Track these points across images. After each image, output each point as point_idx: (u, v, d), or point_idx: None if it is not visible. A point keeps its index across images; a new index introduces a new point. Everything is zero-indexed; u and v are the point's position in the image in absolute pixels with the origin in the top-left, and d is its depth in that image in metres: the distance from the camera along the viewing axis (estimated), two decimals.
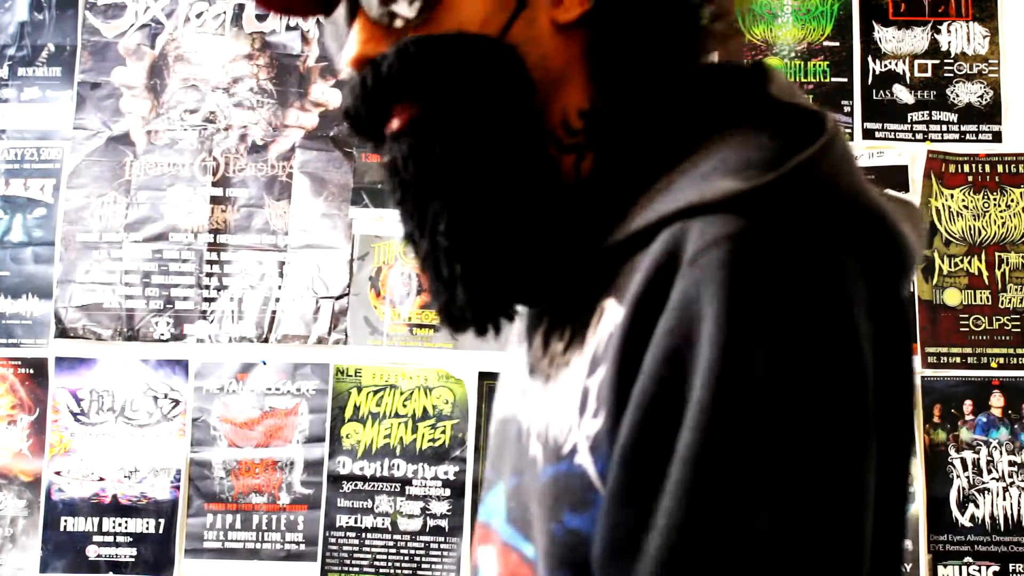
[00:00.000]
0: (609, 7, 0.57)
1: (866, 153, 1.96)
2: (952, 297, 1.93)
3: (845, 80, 1.99)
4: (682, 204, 0.50)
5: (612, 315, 0.51)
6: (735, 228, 0.46)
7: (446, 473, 1.91)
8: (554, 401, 0.56)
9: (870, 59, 2.00)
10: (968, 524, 1.86)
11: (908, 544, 1.85)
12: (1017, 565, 1.85)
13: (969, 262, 1.93)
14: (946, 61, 1.99)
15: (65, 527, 1.92)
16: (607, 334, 0.51)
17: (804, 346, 0.45)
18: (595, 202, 0.58)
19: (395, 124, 0.58)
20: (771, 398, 0.44)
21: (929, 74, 1.99)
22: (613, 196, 0.57)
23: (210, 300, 1.97)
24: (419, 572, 1.89)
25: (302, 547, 1.91)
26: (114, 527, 1.92)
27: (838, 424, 0.45)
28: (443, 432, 1.92)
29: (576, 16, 0.58)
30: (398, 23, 0.58)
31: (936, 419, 1.88)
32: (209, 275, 1.98)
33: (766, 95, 0.56)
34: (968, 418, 1.89)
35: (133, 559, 1.92)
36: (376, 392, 1.93)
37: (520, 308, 0.63)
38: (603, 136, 0.59)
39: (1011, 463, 1.88)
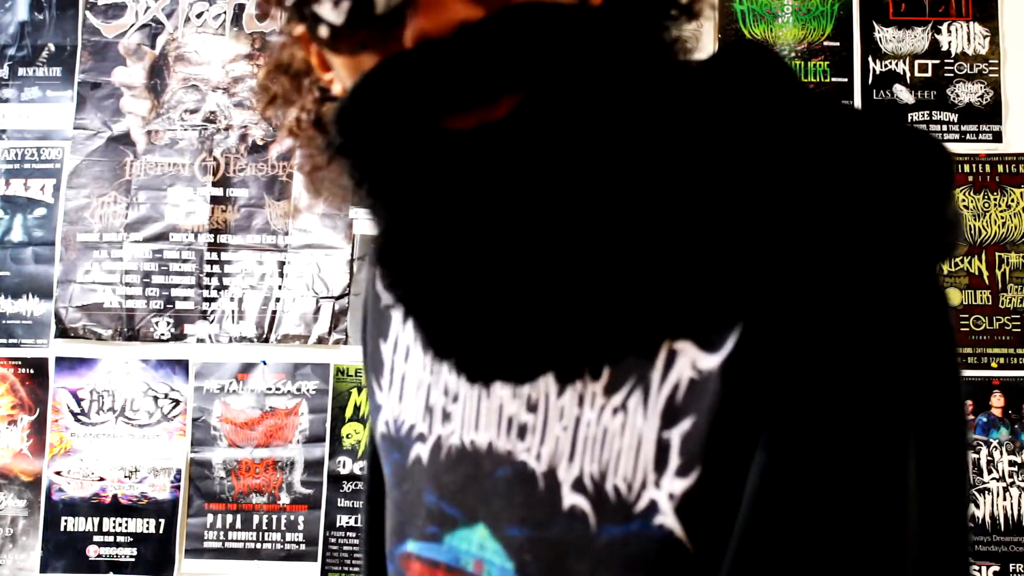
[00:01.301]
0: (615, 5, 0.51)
1: None
2: (952, 297, 1.93)
3: (845, 80, 1.99)
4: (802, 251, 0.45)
5: (692, 360, 0.47)
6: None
7: None
8: (606, 450, 0.49)
9: (870, 59, 2.00)
10: (968, 524, 1.86)
11: None
12: (1017, 565, 1.85)
13: (969, 262, 1.94)
14: (946, 61, 1.99)
15: (65, 527, 1.92)
16: (686, 380, 0.47)
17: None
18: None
19: (497, 112, 0.45)
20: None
21: (929, 74, 1.99)
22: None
23: (210, 300, 1.97)
24: None
25: (302, 547, 1.91)
26: (114, 527, 1.92)
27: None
28: None
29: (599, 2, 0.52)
30: None
31: None
32: (209, 275, 1.98)
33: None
34: (968, 418, 1.89)
35: (133, 559, 1.92)
36: None
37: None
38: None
39: (1011, 463, 1.88)
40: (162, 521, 1.92)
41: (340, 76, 0.52)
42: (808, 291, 0.44)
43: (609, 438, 0.49)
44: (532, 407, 0.53)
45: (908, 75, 1.99)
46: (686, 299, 0.47)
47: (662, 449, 0.47)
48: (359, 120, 0.48)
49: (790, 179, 0.46)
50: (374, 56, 0.47)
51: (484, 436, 0.56)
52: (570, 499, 0.50)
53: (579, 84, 0.45)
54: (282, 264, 1.98)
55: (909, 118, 1.98)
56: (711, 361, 0.46)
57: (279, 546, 1.91)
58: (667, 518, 0.47)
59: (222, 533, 1.92)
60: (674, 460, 0.46)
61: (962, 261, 1.94)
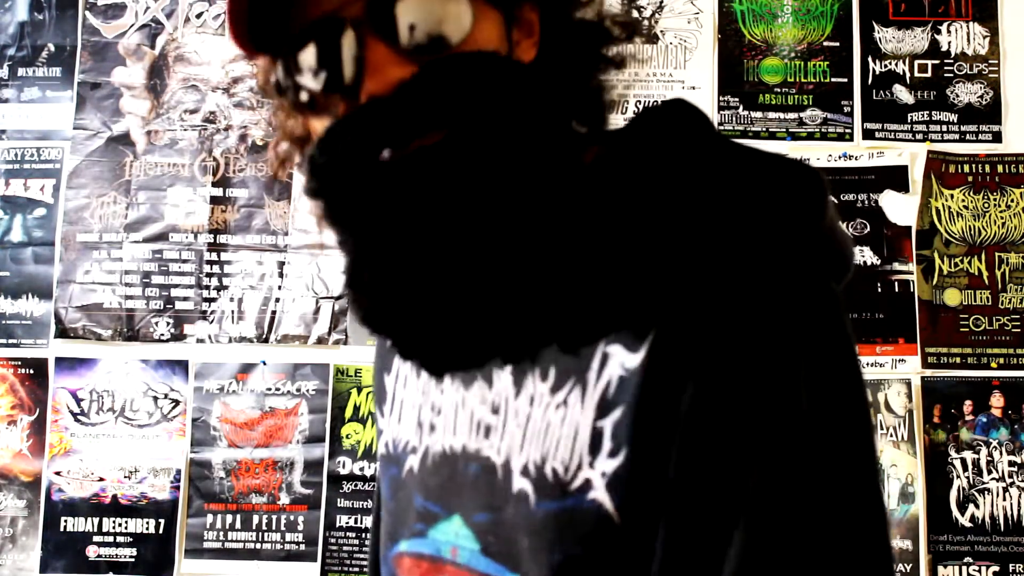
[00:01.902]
0: (546, 52, 0.63)
1: (866, 153, 1.96)
2: (952, 297, 1.93)
3: (845, 80, 1.99)
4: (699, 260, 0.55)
5: (620, 360, 0.56)
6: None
7: None
8: (547, 439, 0.58)
9: (870, 59, 2.00)
10: (968, 524, 1.86)
11: (908, 544, 1.85)
12: (1017, 565, 1.85)
13: (969, 262, 1.94)
14: (946, 61, 1.99)
15: (65, 527, 1.92)
16: (616, 378, 0.56)
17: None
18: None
19: (427, 141, 0.56)
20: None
21: (929, 74, 1.99)
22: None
23: (210, 300, 1.97)
24: None
25: (302, 547, 1.91)
26: (114, 527, 1.92)
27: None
28: None
29: (531, 59, 0.63)
30: (422, 51, 0.56)
31: (936, 419, 1.89)
32: (209, 275, 1.98)
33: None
34: (968, 418, 1.89)
35: (133, 559, 1.92)
36: None
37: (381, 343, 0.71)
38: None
39: (1011, 463, 1.88)
40: (162, 521, 1.92)
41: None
42: (705, 301, 0.54)
43: (551, 429, 0.58)
44: (495, 410, 0.63)
45: (908, 75, 1.99)
46: (615, 305, 0.57)
47: (596, 436, 0.56)
48: (319, 163, 0.59)
49: (686, 211, 0.56)
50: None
51: (460, 440, 0.65)
52: (518, 483, 0.59)
53: (492, 122, 0.55)
54: (282, 264, 1.98)
55: (908, 118, 1.98)
56: (634, 360, 0.55)
57: (279, 546, 1.91)
58: (598, 493, 0.55)
59: (222, 533, 1.92)
60: (607, 444, 0.55)
61: (962, 261, 1.94)
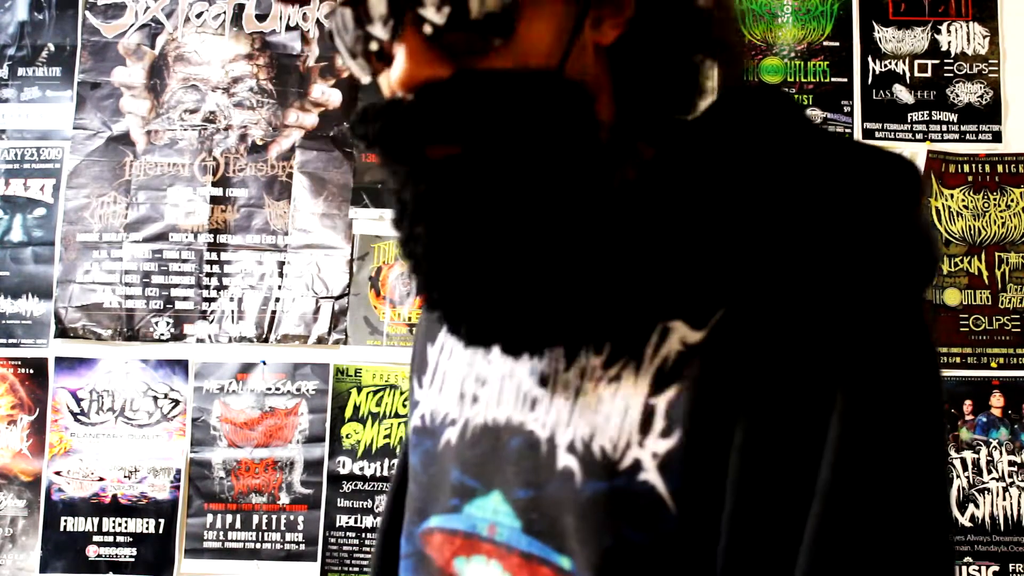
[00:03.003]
0: (638, 30, 0.59)
1: None
2: (952, 297, 1.93)
3: (845, 80, 1.99)
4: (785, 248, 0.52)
5: (681, 336, 0.54)
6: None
7: None
8: (597, 415, 0.56)
9: (870, 59, 2.00)
10: (968, 524, 1.86)
11: None
12: (1017, 565, 1.85)
13: (969, 262, 1.94)
14: (946, 61, 1.99)
15: (65, 527, 1.92)
16: (674, 353, 0.54)
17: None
18: (634, 216, 0.58)
19: (435, 153, 0.54)
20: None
21: (929, 74, 1.99)
22: (653, 212, 0.57)
23: (210, 300, 1.97)
24: None
25: (302, 547, 1.91)
26: (114, 527, 1.92)
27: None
28: None
29: (613, 39, 0.59)
30: (459, 49, 0.54)
31: None
32: (209, 275, 1.98)
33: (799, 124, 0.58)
34: (968, 418, 1.89)
35: (133, 559, 1.92)
36: (376, 392, 1.94)
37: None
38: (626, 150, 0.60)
39: (1011, 463, 1.88)
40: (162, 521, 1.92)
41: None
42: (784, 290, 0.51)
43: (602, 405, 0.56)
44: (543, 382, 0.60)
45: (908, 75, 1.99)
46: (681, 287, 0.55)
47: (648, 414, 0.53)
48: (364, 132, 0.57)
49: (774, 195, 0.53)
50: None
51: (504, 412, 0.63)
52: (563, 460, 0.57)
53: (512, 140, 0.53)
54: (282, 264, 1.98)
55: (908, 118, 1.98)
56: (696, 336, 0.53)
57: (279, 546, 1.91)
58: (650, 474, 0.52)
59: (222, 533, 1.92)
60: (659, 423, 0.53)
61: (962, 261, 1.94)
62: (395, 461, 1.92)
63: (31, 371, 1.97)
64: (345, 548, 1.91)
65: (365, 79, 0.60)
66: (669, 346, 0.54)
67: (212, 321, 1.97)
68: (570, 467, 0.56)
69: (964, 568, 1.85)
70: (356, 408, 1.94)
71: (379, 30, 0.54)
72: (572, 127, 0.55)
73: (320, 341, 1.95)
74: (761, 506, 0.50)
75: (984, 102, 1.98)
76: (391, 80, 0.54)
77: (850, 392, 0.49)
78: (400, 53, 0.54)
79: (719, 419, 0.51)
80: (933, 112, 1.98)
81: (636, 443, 0.53)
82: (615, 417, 0.55)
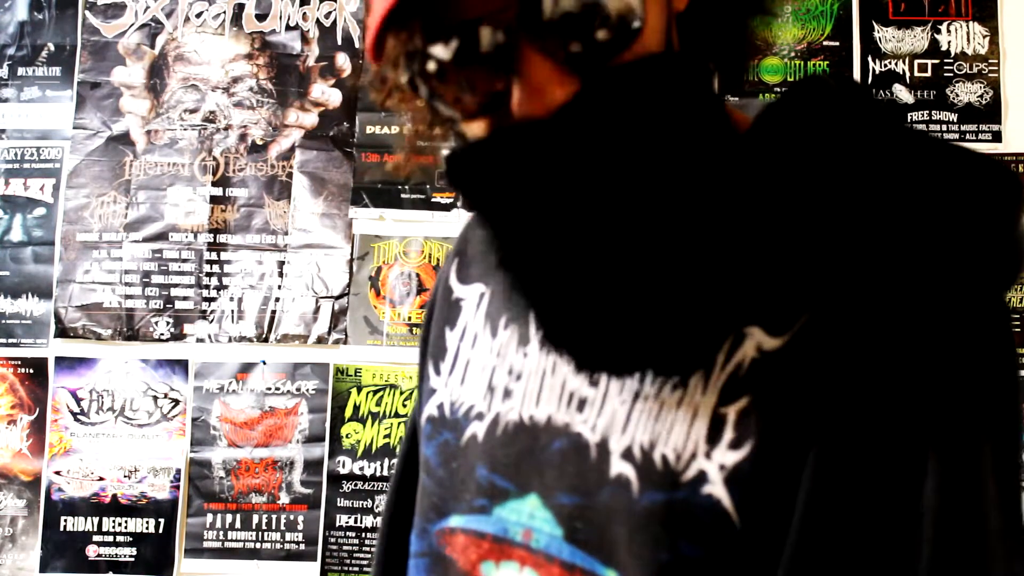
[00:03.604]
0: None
1: None
2: None
3: None
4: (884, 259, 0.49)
5: (757, 342, 0.51)
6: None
7: None
8: (659, 422, 0.53)
9: (870, 59, 2.00)
10: None
11: None
12: None
13: None
14: (946, 61, 1.99)
15: (65, 527, 1.93)
16: (748, 361, 0.51)
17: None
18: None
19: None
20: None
21: (929, 74, 1.99)
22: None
23: (210, 300, 1.97)
24: None
25: (302, 547, 1.91)
26: (114, 527, 1.92)
27: None
28: None
29: (685, 5, 0.57)
30: (586, 57, 0.50)
31: None
32: (209, 275, 1.98)
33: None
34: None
35: (133, 559, 1.92)
36: (376, 392, 1.94)
37: (488, 289, 0.62)
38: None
39: None
40: (162, 521, 1.92)
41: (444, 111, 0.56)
42: (875, 300, 0.48)
43: (665, 411, 0.53)
44: (594, 382, 0.57)
45: (908, 75, 1.99)
46: (762, 289, 0.51)
47: (717, 423, 0.50)
48: (468, 176, 0.53)
49: (868, 198, 0.50)
50: (480, 116, 0.53)
51: (544, 410, 0.59)
52: (617, 467, 0.53)
53: (657, 120, 0.50)
54: (282, 264, 1.98)
55: (908, 118, 1.98)
56: (774, 343, 0.50)
57: (279, 546, 1.91)
58: (716, 487, 0.49)
59: (222, 533, 1.92)
60: (728, 434, 0.50)
61: None
62: (395, 461, 1.92)
63: (31, 371, 1.97)
64: (345, 548, 1.91)
65: (463, 125, 0.56)
66: (744, 352, 0.51)
67: (212, 321, 1.97)
68: (626, 475, 0.53)
69: None
70: (356, 408, 1.94)
71: (487, 64, 0.50)
72: (705, 106, 0.52)
73: (320, 341, 1.95)
74: (828, 534, 0.47)
75: (984, 102, 1.98)
76: (518, 110, 0.50)
77: (943, 441, 0.47)
78: (523, 82, 0.50)
79: (792, 434, 0.48)
80: (933, 112, 1.98)
81: (703, 454, 0.50)
82: (680, 425, 0.52)
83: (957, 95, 1.98)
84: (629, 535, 0.52)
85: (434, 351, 0.71)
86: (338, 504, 1.91)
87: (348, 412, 1.94)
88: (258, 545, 1.92)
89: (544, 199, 0.50)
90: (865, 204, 0.49)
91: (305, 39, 2.03)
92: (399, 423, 1.93)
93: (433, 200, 1.97)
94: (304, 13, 2.03)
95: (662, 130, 0.50)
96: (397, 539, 0.74)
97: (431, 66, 0.52)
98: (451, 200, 1.96)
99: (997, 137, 1.96)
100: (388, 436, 1.92)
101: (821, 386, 0.48)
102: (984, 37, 1.99)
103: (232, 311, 1.97)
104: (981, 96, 1.98)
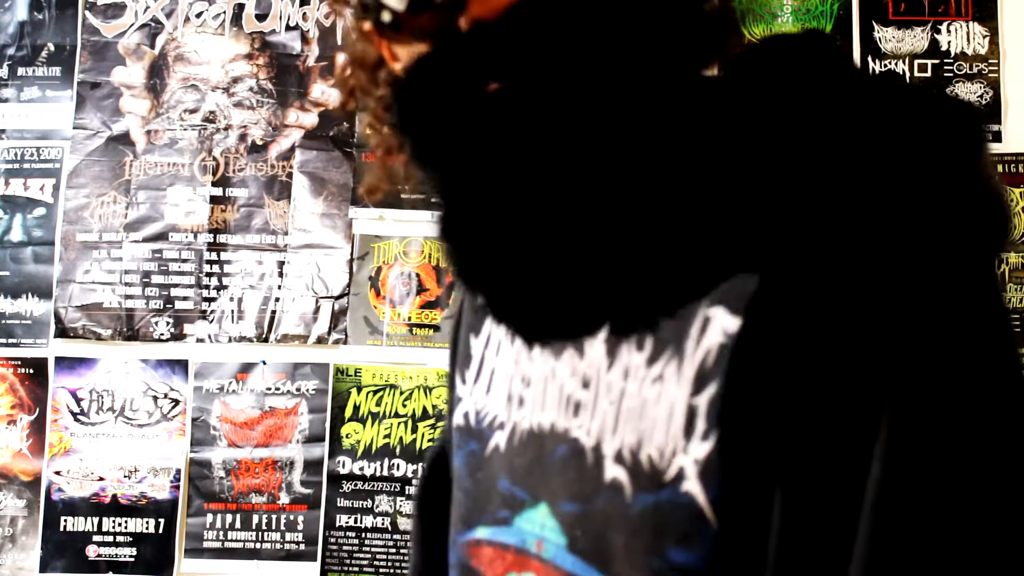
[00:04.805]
0: None
1: None
2: None
3: None
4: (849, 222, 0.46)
5: (723, 325, 0.48)
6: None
7: None
8: (643, 420, 0.50)
9: (870, 59, 2.00)
10: None
11: None
12: None
13: None
14: (946, 61, 1.99)
15: (65, 527, 1.92)
16: (716, 346, 0.48)
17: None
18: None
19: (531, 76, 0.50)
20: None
21: (929, 74, 1.99)
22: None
23: (210, 300, 1.97)
24: None
25: (302, 547, 1.91)
26: (114, 527, 1.92)
27: None
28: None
29: None
30: None
31: None
32: (209, 275, 1.98)
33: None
34: None
35: (133, 559, 1.92)
36: (376, 392, 1.94)
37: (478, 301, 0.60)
38: None
39: None
40: (161, 521, 1.92)
41: (404, 64, 0.55)
42: (826, 258, 0.45)
43: (647, 408, 0.50)
44: (586, 384, 0.55)
45: (908, 75, 1.99)
46: (721, 265, 0.49)
47: (691, 415, 0.48)
48: (413, 95, 0.52)
49: (812, 150, 0.47)
50: (430, 44, 0.52)
51: (548, 417, 0.57)
52: (611, 471, 0.51)
53: (613, 55, 0.48)
54: (282, 264, 1.98)
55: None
56: (736, 324, 0.47)
57: (279, 546, 1.91)
58: (691, 483, 0.48)
59: (221, 533, 1.92)
60: (700, 425, 0.48)
61: None
62: (395, 461, 1.92)
63: (31, 371, 1.97)
64: (345, 548, 1.91)
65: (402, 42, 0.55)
66: (710, 338, 0.48)
67: (212, 321, 1.97)
68: (619, 479, 0.51)
69: None
70: (356, 408, 1.94)
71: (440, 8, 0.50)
72: (664, 32, 0.51)
73: (320, 341, 1.95)
74: (814, 516, 0.45)
75: (984, 102, 1.98)
76: (465, 18, 0.49)
77: (908, 390, 0.44)
78: None
79: (755, 417, 0.46)
80: None
81: (681, 449, 0.48)
82: (661, 422, 0.49)
83: (957, 95, 1.98)
84: (626, 542, 0.50)
85: (462, 359, 0.70)
86: (338, 504, 1.91)
87: (348, 412, 1.94)
88: (258, 545, 1.92)
89: (484, 138, 0.50)
90: (815, 154, 0.47)
91: (305, 39, 2.03)
92: (399, 423, 1.93)
93: (433, 200, 1.97)
94: (304, 13, 2.03)
95: (612, 58, 0.48)
96: (434, 541, 0.73)
97: (386, 16, 0.52)
98: None
99: (997, 137, 1.96)
100: (388, 436, 1.92)
101: (778, 361, 0.46)
102: (984, 37, 1.99)
103: (232, 311, 1.97)
104: (981, 96, 1.98)
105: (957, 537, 0.43)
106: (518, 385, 0.61)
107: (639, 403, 0.51)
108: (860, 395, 0.45)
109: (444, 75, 0.50)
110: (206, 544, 1.92)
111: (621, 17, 0.49)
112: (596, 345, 0.54)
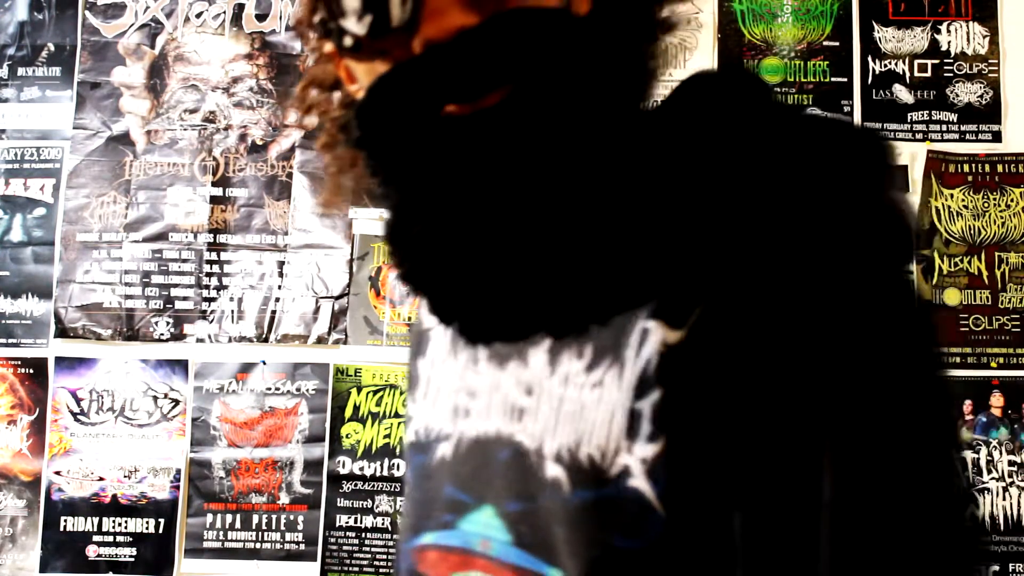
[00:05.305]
0: (599, 15, 0.59)
1: None
2: (952, 297, 1.93)
3: (845, 80, 1.99)
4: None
5: (661, 337, 0.53)
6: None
7: None
8: (582, 422, 0.55)
9: (870, 59, 2.00)
10: None
11: None
12: (1017, 565, 1.85)
13: (969, 262, 1.94)
14: (946, 61, 1.99)
15: (65, 527, 1.92)
16: (656, 356, 0.53)
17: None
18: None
19: (489, 100, 0.54)
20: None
21: (929, 74, 1.99)
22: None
23: (210, 300, 1.97)
24: None
25: (302, 547, 1.91)
26: (114, 527, 1.92)
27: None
28: None
29: (584, 13, 0.60)
30: None
31: None
32: (209, 275, 1.98)
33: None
34: (968, 418, 1.89)
35: (133, 559, 1.92)
36: (376, 392, 1.94)
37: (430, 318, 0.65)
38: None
39: (1011, 463, 1.88)
40: (161, 521, 1.92)
41: (363, 84, 0.59)
42: (761, 280, 0.50)
43: (586, 412, 0.55)
44: (529, 391, 0.59)
45: (908, 75, 1.99)
46: (656, 282, 0.54)
47: (634, 419, 0.53)
48: (373, 113, 0.56)
49: (741, 181, 0.52)
50: (389, 63, 0.56)
51: (494, 424, 0.61)
52: (551, 470, 0.56)
53: (557, 80, 0.53)
54: (282, 264, 1.98)
55: (908, 118, 1.98)
56: (676, 336, 0.52)
57: (279, 546, 1.91)
58: (638, 480, 0.52)
59: (222, 533, 1.92)
60: (645, 428, 0.52)
61: (962, 261, 1.94)
62: (395, 461, 1.92)
63: (31, 371, 1.97)
64: (345, 548, 1.91)
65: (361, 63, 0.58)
66: (650, 348, 0.53)
67: (212, 321, 1.97)
68: (558, 477, 0.55)
69: None
70: (356, 408, 1.94)
71: (358, 20, 0.54)
72: (603, 64, 0.55)
73: (320, 341, 1.95)
74: (772, 530, 0.50)
75: (984, 102, 1.98)
76: (418, 40, 0.53)
77: (844, 389, 0.49)
78: (425, 10, 0.53)
79: (701, 418, 0.51)
80: (933, 112, 1.98)
81: (624, 449, 0.53)
82: (601, 424, 0.54)
83: (957, 95, 1.98)
84: (566, 534, 0.54)
85: (411, 382, 0.75)
86: (338, 504, 1.91)
87: (348, 412, 1.94)
88: (258, 545, 1.92)
89: (432, 147, 0.54)
90: (738, 187, 0.52)
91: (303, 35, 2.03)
92: (399, 423, 1.93)
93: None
94: None
95: (561, 66, 0.53)
96: None
97: (348, 40, 0.56)
98: None
99: (997, 137, 1.96)
100: (388, 436, 1.92)
101: (722, 372, 0.50)
102: (984, 37, 1.99)
103: (232, 311, 1.97)
104: (981, 96, 1.98)
105: (907, 539, 0.49)
106: (463, 398, 0.65)
107: (578, 407, 0.55)
108: (795, 403, 0.50)
109: (400, 96, 0.54)
110: (206, 544, 1.92)
111: (560, 48, 0.53)
112: (539, 354, 0.59)
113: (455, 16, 0.53)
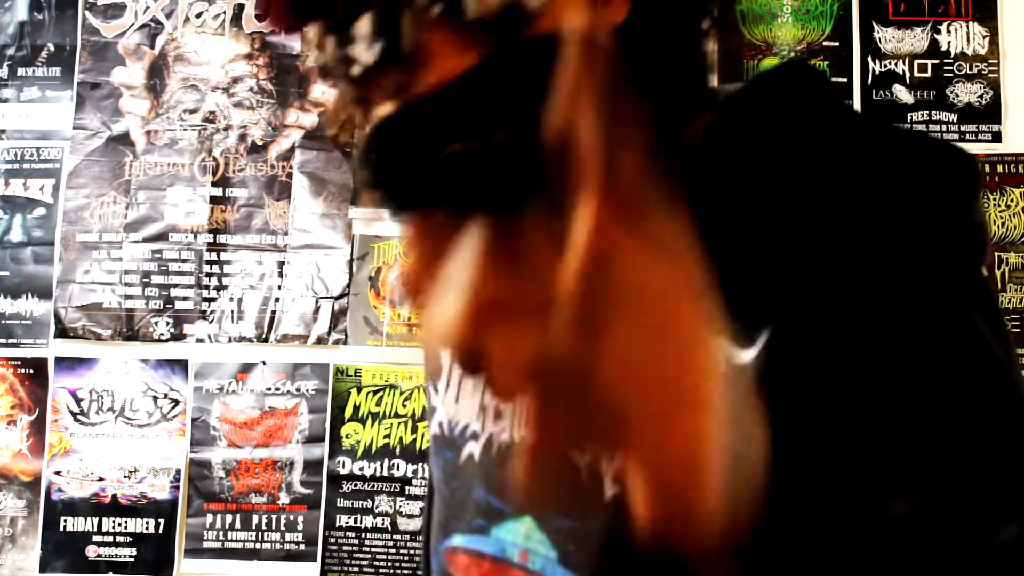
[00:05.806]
0: (640, 20, 0.54)
1: None
2: None
3: (845, 80, 1.99)
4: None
5: (727, 354, 0.49)
6: None
7: None
8: None
9: (870, 59, 2.00)
10: None
11: None
12: None
13: None
14: (946, 61, 1.99)
15: (65, 527, 1.92)
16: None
17: None
18: None
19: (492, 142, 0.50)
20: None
21: (929, 74, 1.99)
22: None
23: (210, 300, 1.97)
24: (419, 572, 1.89)
25: (302, 547, 1.91)
26: (114, 527, 1.92)
27: None
28: None
29: (619, 21, 0.55)
30: (494, 28, 0.50)
31: None
32: (209, 275, 1.98)
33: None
34: None
35: (133, 559, 1.92)
36: (376, 392, 1.94)
37: None
38: None
39: None
40: (161, 521, 1.92)
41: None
42: (840, 299, 0.47)
43: None
44: None
45: (908, 75, 1.99)
46: (722, 301, 0.51)
47: None
48: (377, 151, 0.53)
49: (820, 197, 0.49)
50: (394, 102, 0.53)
51: None
52: (611, 490, 0.52)
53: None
54: (282, 264, 1.98)
55: (908, 118, 1.98)
56: (745, 356, 0.49)
57: (278, 546, 1.91)
58: None
59: (221, 533, 1.92)
60: None
61: None
62: (395, 461, 1.92)
63: (31, 371, 1.97)
64: (345, 548, 1.91)
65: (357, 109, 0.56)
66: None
67: (212, 321, 1.97)
68: (619, 498, 0.51)
69: None
70: (356, 408, 1.94)
71: (367, 50, 0.51)
72: (641, 73, 0.51)
73: (320, 341, 1.95)
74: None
75: (984, 102, 1.98)
76: (422, 81, 0.50)
77: (928, 410, 0.46)
78: (423, 54, 0.49)
79: (779, 444, 0.47)
80: (933, 112, 1.98)
81: None
82: None
83: (957, 95, 1.98)
84: (623, 560, 0.51)
85: (433, 369, 0.72)
86: (338, 504, 1.91)
87: (348, 412, 1.94)
88: (258, 545, 1.92)
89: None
90: (820, 203, 0.49)
91: (305, 39, 2.03)
92: (399, 423, 1.93)
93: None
94: None
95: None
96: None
97: (355, 70, 0.53)
98: None
99: (997, 137, 1.96)
100: (388, 436, 1.92)
101: (796, 396, 0.47)
102: (984, 37, 1.99)
103: (232, 311, 1.97)
104: (981, 96, 1.98)
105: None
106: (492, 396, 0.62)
107: None
108: (878, 425, 0.47)
109: (404, 136, 0.51)
110: (206, 544, 1.92)
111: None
112: None
113: (451, 59, 0.49)
